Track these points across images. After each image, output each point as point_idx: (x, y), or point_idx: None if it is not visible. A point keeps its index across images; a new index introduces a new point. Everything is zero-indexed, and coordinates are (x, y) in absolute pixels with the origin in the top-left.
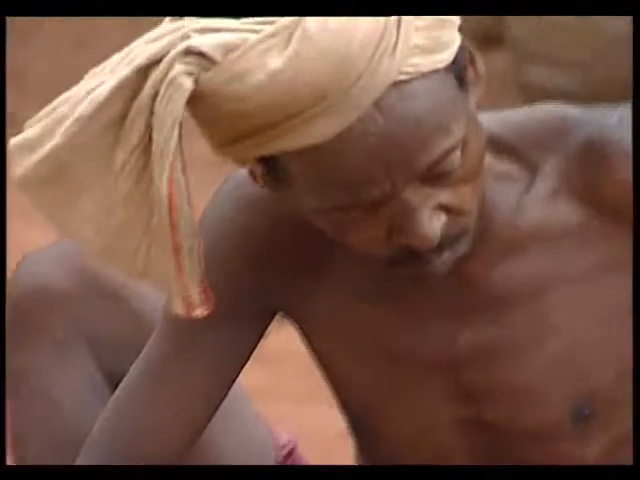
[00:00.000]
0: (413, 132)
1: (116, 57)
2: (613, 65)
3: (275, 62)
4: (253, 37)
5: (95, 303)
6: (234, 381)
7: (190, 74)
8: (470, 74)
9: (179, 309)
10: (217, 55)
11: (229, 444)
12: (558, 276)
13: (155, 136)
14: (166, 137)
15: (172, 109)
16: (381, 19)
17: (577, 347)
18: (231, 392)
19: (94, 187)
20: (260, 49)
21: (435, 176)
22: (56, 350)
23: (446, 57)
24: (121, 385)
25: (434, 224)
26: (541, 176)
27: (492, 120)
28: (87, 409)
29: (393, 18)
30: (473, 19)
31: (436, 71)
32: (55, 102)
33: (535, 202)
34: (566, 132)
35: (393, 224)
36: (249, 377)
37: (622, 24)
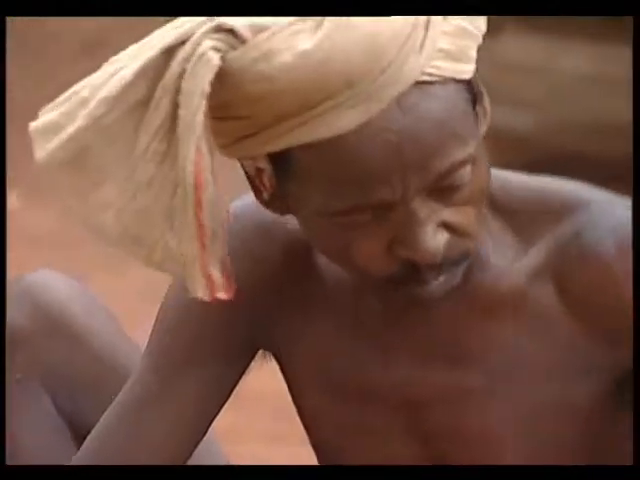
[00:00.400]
0: (432, 134)
1: (135, 46)
2: (569, 106)
3: (304, 44)
4: (284, 20)
5: (55, 342)
6: (213, 420)
7: (218, 50)
8: (479, 107)
9: (200, 291)
10: (247, 33)
11: None
12: (522, 355)
13: (181, 112)
14: (193, 112)
15: (199, 83)
16: (410, 17)
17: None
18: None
19: (117, 171)
20: (291, 30)
21: (444, 189)
22: (15, 390)
23: (467, 69)
24: (96, 427)
25: (438, 239)
26: (533, 250)
27: (492, 177)
28: (48, 448)
29: (422, 18)
30: None
31: (457, 81)
32: (75, 87)
33: (522, 273)
34: (564, 217)
35: (396, 236)
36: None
37: (580, 64)
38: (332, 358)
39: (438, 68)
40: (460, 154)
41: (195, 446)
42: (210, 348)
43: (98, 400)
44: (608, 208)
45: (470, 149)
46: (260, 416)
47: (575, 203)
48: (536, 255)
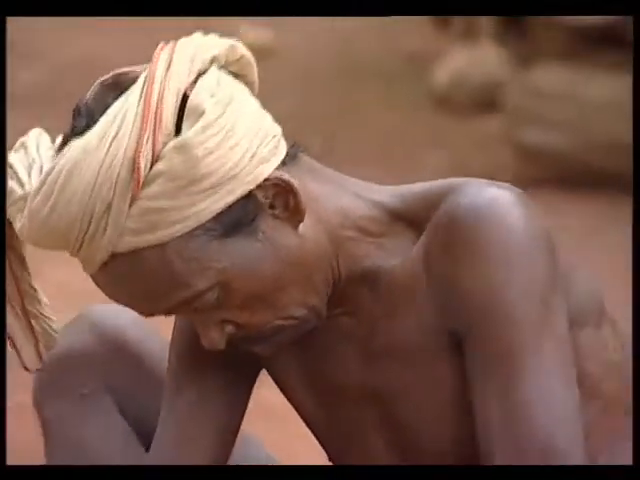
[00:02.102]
0: (131, 292)
1: None
2: (594, 128)
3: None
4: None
5: (120, 363)
6: (241, 420)
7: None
8: (273, 221)
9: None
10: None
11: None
12: (403, 339)
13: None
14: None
15: None
16: (87, 208)
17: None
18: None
19: None
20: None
21: (202, 307)
22: (82, 403)
23: (167, 234)
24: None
25: (211, 334)
26: (420, 239)
27: (392, 194)
28: (113, 450)
29: (100, 209)
30: (469, 88)
31: (162, 244)
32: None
33: (407, 265)
34: (440, 204)
35: None
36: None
37: (603, 92)
38: (306, 374)
39: (129, 242)
40: (183, 294)
41: (232, 445)
42: (224, 363)
43: (158, 407)
44: (474, 188)
45: (200, 286)
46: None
47: (448, 190)
48: (417, 250)
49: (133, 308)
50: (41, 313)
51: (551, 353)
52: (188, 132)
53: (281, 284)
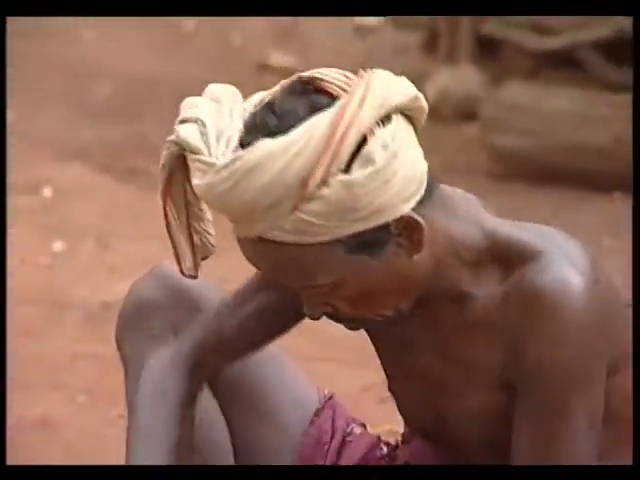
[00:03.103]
0: (263, 264)
1: None
2: (556, 134)
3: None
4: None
5: (180, 309)
6: (290, 326)
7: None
8: (395, 249)
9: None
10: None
11: (287, 379)
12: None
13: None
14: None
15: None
16: (256, 201)
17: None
18: (284, 354)
19: None
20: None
21: (315, 293)
22: (152, 341)
23: (309, 240)
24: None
25: (314, 309)
26: (499, 287)
27: (495, 228)
28: (169, 373)
29: (266, 204)
30: (452, 102)
31: (302, 244)
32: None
33: (487, 303)
34: (517, 266)
35: None
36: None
37: (564, 104)
38: (386, 331)
39: (277, 235)
40: (305, 282)
41: (278, 334)
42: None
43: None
44: (556, 267)
45: (323, 280)
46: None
47: (528, 254)
48: (500, 293)
49: (257, 269)
50: (203, 229)
51: (586, 418)
52: (356, 173)
53: (385, 293)
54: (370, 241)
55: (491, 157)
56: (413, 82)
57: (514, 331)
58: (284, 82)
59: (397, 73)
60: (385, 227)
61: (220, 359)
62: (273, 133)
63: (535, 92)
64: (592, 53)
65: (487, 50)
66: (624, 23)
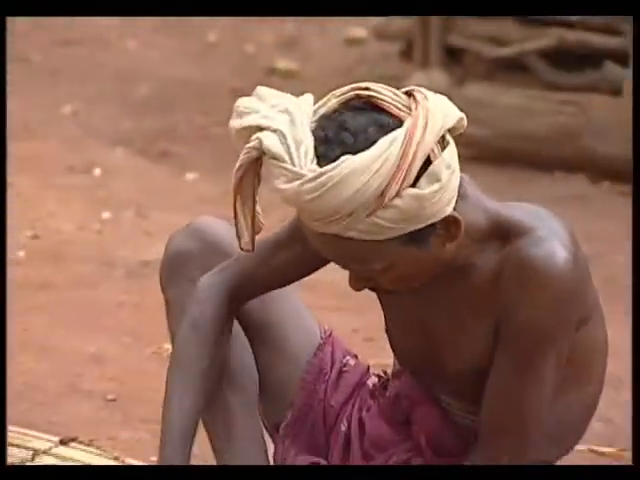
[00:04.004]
0: (327, 250)
1: None
2: (507, 124)
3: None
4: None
5: (212, 256)
6: (309, 274)
7: None
8: (437, 239)
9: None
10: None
11: (298, 315)
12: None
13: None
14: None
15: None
16: (338, 209)
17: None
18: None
19: None
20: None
21: (365, 272)
22: (190, 285)
23: (375, 238)
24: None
25: (359, 283)
26: (496, 257)
27: (498, 210)
28: (206, 305)
29: (347, 211)
30: None
31: (367, 240)
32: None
33: (485, 274)
34: (511, 239)
35: None
36: None
37: (512, 100)
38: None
39: (350, 233)
40: (361, 267)
41: (296, 279)
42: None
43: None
44: (547, 243)
45: (376, 266)
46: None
47: (529, 228)
48: (492, 262)
49: (322, 254)
50: (257, 212)
51: (555, 367)
52: (425, 189)
53: (421, 274)
54: (419, 236)
55: (457, 142)
56: (393, 83)
57: (508, 294)
58: (340, 94)
59: (380, 76)
60: (433, 224)
61: (250, 294)
62: (352, 151)
63: (491, 91)
64: (536, 60)
65: (453, 57)
66: (563, 34)
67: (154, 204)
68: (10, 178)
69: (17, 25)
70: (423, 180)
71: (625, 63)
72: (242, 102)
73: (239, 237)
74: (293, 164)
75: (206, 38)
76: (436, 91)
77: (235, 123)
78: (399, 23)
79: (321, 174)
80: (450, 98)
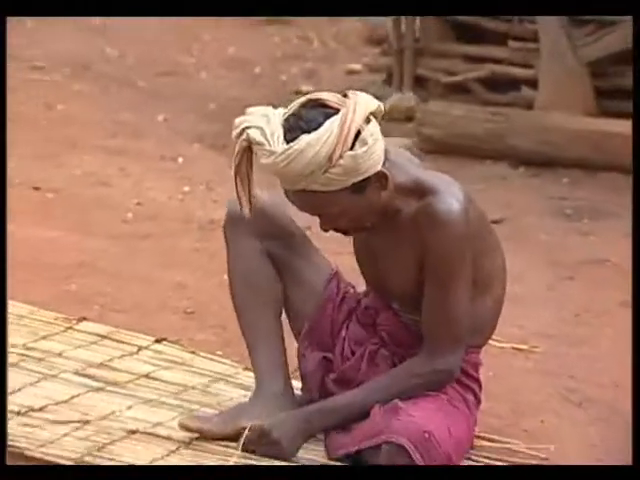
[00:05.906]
0: (297, 201)
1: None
2: (457, 129)
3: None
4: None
5: (257, 218)
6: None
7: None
8: (373, 188)
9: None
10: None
11: (313, 252)
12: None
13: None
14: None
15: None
16: (302, 171)
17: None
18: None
19: None
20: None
21: (326, 218)
22: (241, 234)
23: (330, 189)
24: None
25: (323, 225)
26: (412, 207)
27: (419, 173)
28: (252, 261)
29: (308, 171)
30: (399, 111)
31: (324, 192)
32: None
33: (406, 218)
34: (424, 196)
35: None
36: None
37: (460, 112)
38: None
39: (312, 187)
40: (319, 212)
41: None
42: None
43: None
44: (448, 198)
45: (330, 211)
46: None
47: (437, 188)
48: (412, 210)
49: (294, 204)
50: (252, 188)
51: (464, 284)
52: (358, 150)
53: (366, 215)
54: (361, 186)
55: (421, 141)
56: (379, 100)
57: (423, 234)
58: (300, 102)
59: (371, 95)
60: (369, 178)
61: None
62: (307, 131)
63: (445, 106)
64: (476, 85)
65: (420, 83)
66: (494, 67)
67: (219, 181)
68: (124, 164)
69: (127, 59)
70: (357, 145)
71: (535, 87)
72: (240, 118)
73: (241, 206)
74: (270, 146)
75: (254, 71)
76: (407, 107)
77: (234, 127)
78: (384, 60)
79: (288, 149)
80: (417, 110)
